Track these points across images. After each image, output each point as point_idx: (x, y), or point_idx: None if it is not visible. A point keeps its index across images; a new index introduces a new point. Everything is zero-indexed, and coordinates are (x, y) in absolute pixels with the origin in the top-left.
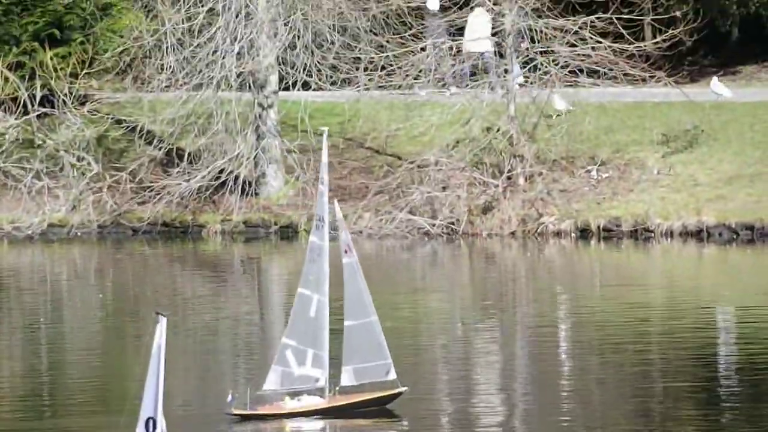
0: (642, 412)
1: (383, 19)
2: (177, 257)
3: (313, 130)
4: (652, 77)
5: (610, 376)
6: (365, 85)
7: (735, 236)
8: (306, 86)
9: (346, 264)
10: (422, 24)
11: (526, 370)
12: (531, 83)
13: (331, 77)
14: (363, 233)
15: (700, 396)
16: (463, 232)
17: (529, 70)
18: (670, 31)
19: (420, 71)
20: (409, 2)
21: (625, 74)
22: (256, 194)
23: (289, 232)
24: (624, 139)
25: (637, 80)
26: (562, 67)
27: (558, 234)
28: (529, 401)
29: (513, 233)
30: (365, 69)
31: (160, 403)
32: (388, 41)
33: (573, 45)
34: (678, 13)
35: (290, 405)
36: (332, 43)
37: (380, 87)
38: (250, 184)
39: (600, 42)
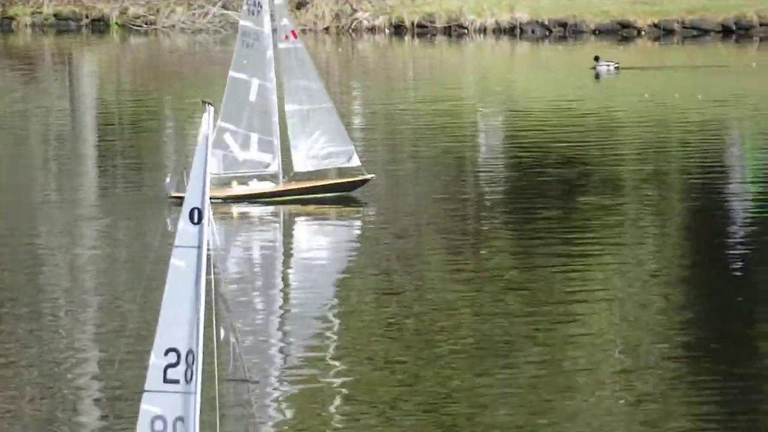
0: None
1: None
2: None
3: None
4: None
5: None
6: None
7: (548, 33)
8: None
9: (286, 49)
10: None
11: None
12: None
13: None
14: (175, 27)
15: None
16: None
17: None
18: None
19: None
20: None
21: None
22: None
23: (100, 26)
24: None
25: None
26: None
27: (372, 30)
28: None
29: (327, 29)
30: None
31: (207, 194)
32: None
33: None
34: None
35: (238, 190)
36: None
37: None
38: None
39: None
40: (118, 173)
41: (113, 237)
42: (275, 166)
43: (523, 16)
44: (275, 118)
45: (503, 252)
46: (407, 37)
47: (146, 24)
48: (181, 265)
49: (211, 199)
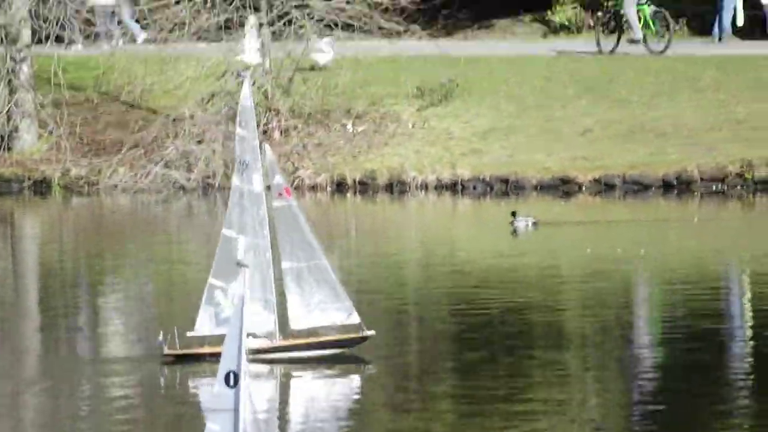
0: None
1: None
2: None
3: (234, 72)
4: (406, 31)
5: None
6: (119, 38)
7: (489, 189)
8: (59, 40)
9: (280, 207)
10: None
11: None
12: (286, 37)
13: (85, 31)
14: (118, 188)
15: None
16: (220, 186)
17: (284, 24)
18: None
19: (175, 24)
20: None
21: (380, 27)
22: (9, 149)
23: (42, 188)
24: (379, 92)
25: (392, 34)
26: (317, 21)
27: (314, 188)
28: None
29: (268, 187)
30: (119, 22)
31: (243, 356)
32: None
33: None
34: None
35: None
36: None
37: (134, 41)
38: (2, 138)
39: None
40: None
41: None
42: (271, 324)
43: (464, 172)
44: (270, 275)
45: (447, 412)
46: (349, 194)
47: (88, 185)
48: (216, 429)
49: (205, 356)
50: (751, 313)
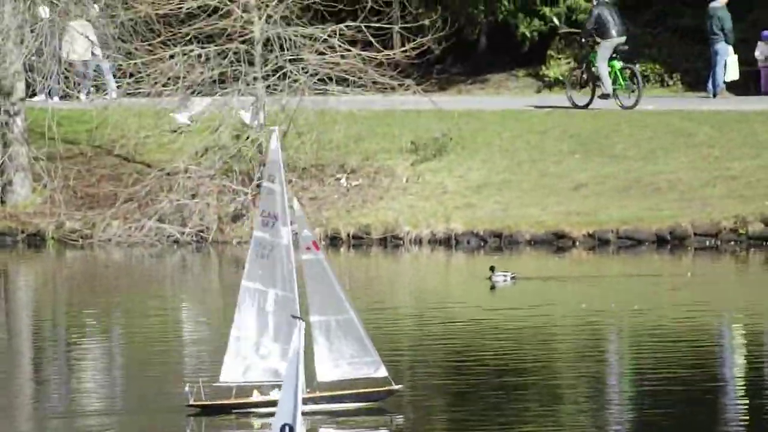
0: None
1: (131, 26)
2: None
3: (263, 126)
4: (401, 85)
5: None
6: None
7: (483, 243)
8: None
9: (309, 260)
10: (170, 31)
11: None
12: (280, 91)
13: (79, 85)
14: (111, 241)
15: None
16: (213, 240)
17: (278, 78)
18: (419, 40)
19: (169, 78)
20: (157, 10)
21: (374, 82)
22: (3, 202)
23: (36, 241)
24: (373, 147)
25: (386, 88)
26: (311, 75)
27: None
28: None
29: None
30: (114, 76)
31: (299, 409)
32: (136, 48)
33: (322, 53)
34: (426, 22)
35: (258, 399)
36: None
37: (129, 94)
38: None
39: (349, 50)
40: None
41: None
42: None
43: (458, 226)
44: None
45: None
46: (343, 249)
47: (82, 238)
48: None
49: (231, 407)
50: (743, 367)
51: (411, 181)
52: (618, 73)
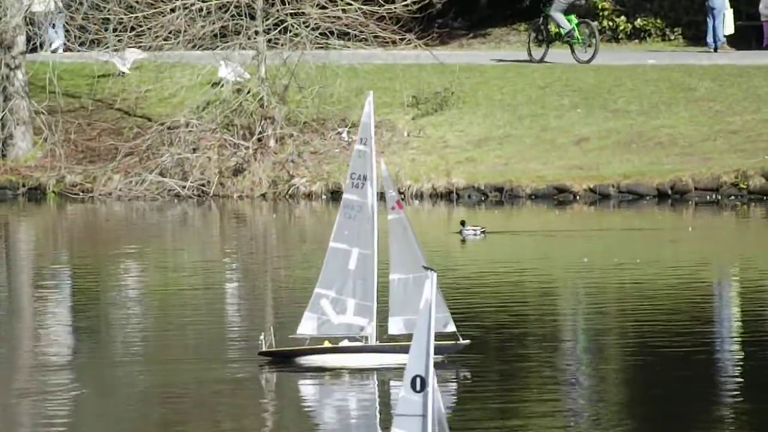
0: None
1: None
2: None
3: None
4: (402, 40)
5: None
6: (114, 46)
7: (484, 198)
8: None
9: (392, 219)
10: None
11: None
12: (282, 45)
13: (80, 38)
14: (113, 195)
15: None
16: (214, 194)
17: (279, 32)
18: None
19: (170, 32)
20: None
21: (376, 36)
22: (3, 156)
23: (37, 195)
24: (375, 101)
25: (387, 42)
26: (312, 29)
27: (309, 196)
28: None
29: (264, 195)
30: (114, 30)
31: (431, 361)
32: (137, 2)
33: (324, 7)
34: None
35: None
36: (80, 3)
37: (130, 48)
38: None
39: (350, 4)
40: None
41: None
42: (370, 329)
43: (459, 181)
44: (373, 284)
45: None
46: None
47: (83, 192)
48: None
49: (299, 353)
50: (739, 320)
51: (412, 136)
52: (575, 28)
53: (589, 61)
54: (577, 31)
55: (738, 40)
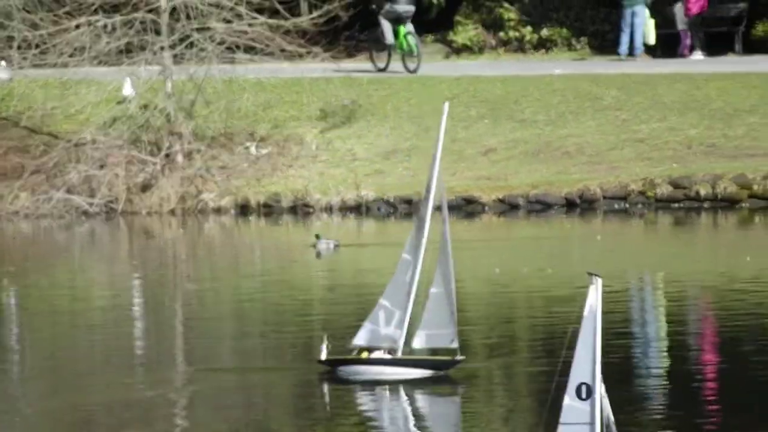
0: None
1: None
2: None
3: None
4: (309, 53)
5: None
6: (19, 63)
7: (393, 210)
8: None
9: (442, 232)
10: (76, 1)
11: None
12: (188, 60)
13: None
14: (20, 213)
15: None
16: (122, 211)
17: (185, 47)
18: (326, 7)
19: (75, 49)
20: None
21: (282, 50)
22: None
23: None
24: (282, 114)
25: (294, 56)
26: (218, 44)
27: (218, 210)
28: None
29: (173, 211)
30: (19, 47)
31: (598, 368)
32: (41, 19)
33: (229, 21)
34: None
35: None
36: None
37: (35, 65)
38: None
39: (256, 18)
40: None
41: None
42: (400, 342)
43: (369, 193)
44: (413, 296)
45: None
46: (253, 218)
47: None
48: None
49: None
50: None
51: (320, 149)
52: (404, 39)
53: (414, 71)
54: (405, 43)
55: (654, 49)
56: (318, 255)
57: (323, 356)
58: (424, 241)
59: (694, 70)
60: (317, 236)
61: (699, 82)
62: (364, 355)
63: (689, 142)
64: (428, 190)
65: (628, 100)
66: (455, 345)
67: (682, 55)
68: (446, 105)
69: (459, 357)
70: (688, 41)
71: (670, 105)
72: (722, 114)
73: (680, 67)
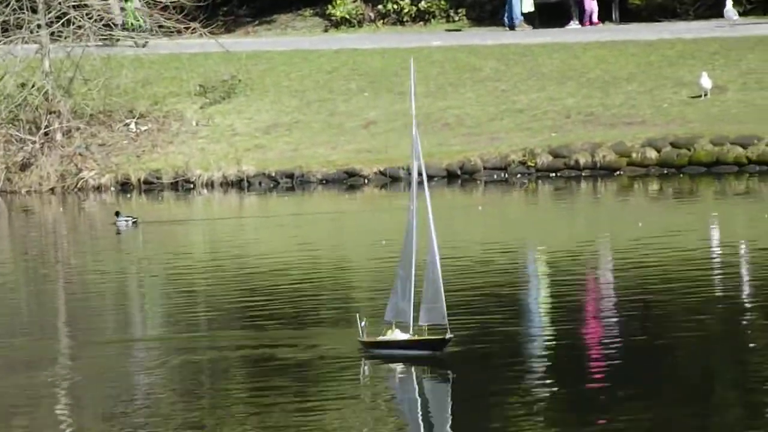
0: None
1: None
2: None
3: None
4: (187, 28)
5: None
6: None
7: (275, 184)
8: None
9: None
10: None
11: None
12: (65, 38)
13: None
14: None
15: None
16: (2, 190)
17: (62, 24)
18: None
19: None
20: None
21: (160, 26)
22: None
23: None
24: (162, 91)
25: (172, 32)
26: (96, 21)
27: (98, 188)
28: None
29: (52, 189)
30: None
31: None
32: None
33: None
34: None
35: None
36: None
37: None
38: None
39: None
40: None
41: None
42: (410, 317)
43: (250, 168)
44: (412, 271)
45: None
46: (134, 194)
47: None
48: None
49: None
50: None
51: (201, 125)
52: (131, 14)
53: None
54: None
55: (533, 19)
56: (118, 232)
57: (363, 337)
58: (414, 210)
59: (571, 40)
60: (117, 213)
61: (577, 52)
62: (389, 332)
63: (568, 111)
64: (417, 158)
65: (507, 70)
66: (445, 321)
67: (592, 23)
68: (411, 60)
69: (448, 335)
70: (594, 6)
71: (549, 75)
72: (600, 83)
73: (558, 38)
